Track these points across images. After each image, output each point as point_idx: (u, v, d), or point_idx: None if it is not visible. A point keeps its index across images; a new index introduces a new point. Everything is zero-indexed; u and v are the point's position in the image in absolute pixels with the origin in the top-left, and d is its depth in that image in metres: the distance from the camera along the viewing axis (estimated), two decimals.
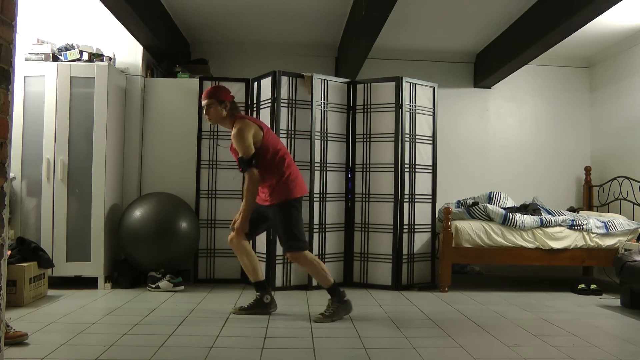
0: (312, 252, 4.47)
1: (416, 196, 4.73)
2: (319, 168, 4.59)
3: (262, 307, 3.54)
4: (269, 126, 3.84)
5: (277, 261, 4.42)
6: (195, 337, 2.98)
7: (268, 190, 3.49)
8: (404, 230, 4.63)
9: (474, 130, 6.04)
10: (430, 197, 4.83)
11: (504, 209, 4.83)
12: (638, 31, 5.20)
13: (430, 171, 4.84)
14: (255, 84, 4.74)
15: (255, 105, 4.72)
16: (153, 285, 4.28)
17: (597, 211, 5.62)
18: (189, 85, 4.87)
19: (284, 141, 4.44)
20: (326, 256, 4.61)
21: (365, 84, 4.79)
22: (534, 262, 4.63)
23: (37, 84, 4.27)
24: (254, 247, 4.58)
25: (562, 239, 4.60)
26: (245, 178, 3.43)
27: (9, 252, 3.61)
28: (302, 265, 3.55)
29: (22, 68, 4.23)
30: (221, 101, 3.49)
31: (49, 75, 4.28)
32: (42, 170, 4.25)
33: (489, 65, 5.68)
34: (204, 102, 3.52)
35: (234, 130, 3.43)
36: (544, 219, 4.64)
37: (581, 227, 4.63)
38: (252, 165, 3.38)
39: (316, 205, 4.55)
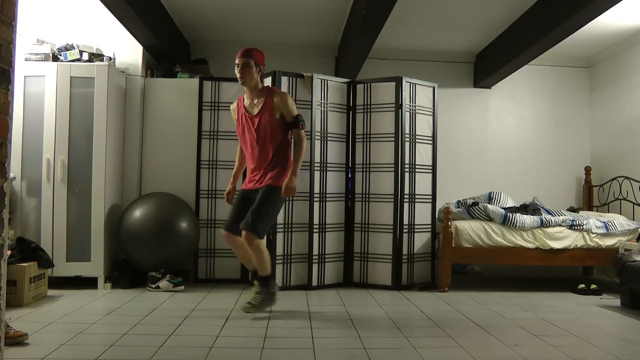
0: (312, 252, 4.50)
1: (416, 196, 4.73)
2: (319, 168, 4.59)
3: (271, 298, 3.55)
4: None
5: (277, 261, 4.41)
6: (195, 337, 2.98)
7: (271, 171, 3.47)
8: (404, 230, 4.63)
9: (474, 130, 6.04)
10: (430, 197, 4.83)
11: (504, 209, 4.83)
12: (638, 31, 5.20)
13: (430, 171, 4.84)
14: None
15: None
16: (153, 285, 4.28)
17: (597, 211, 5.62)
18: (189, 85, 4.87)
19: None
20: (326, 256, 4.62)
21: (365, 84, 4.79)
22: (534, 262, 4.63)
23: (37, 84, 4.27)
24: None
25: (562, 239, 4.60)
26: (298, 139, 3.50)
27: (9, 252, 3.61)
28: (251, 248, 3.45)
29: (22, 68, 4.23)
30: (257, 64, 3.50)
31: (49, 75, 4.28)
32: (42, 170, 4.25)
33: (489, 65, 5.68)
34: (240, 60, 3.47)
35: (279, 96, 3.49)
36: (544, 219, 4.64)
37: (581, 227, 4.63)
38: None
39: (316, 205, 4.55)
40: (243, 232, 3.43)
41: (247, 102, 3.58)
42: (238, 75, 3.50)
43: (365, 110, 4.77)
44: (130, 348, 2.74)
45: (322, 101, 4.64)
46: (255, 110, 3.52)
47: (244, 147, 3.64)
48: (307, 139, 3.56)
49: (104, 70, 4.34)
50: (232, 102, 4.72)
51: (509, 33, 5.13)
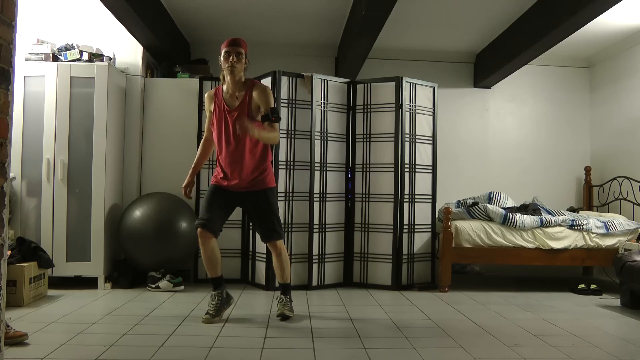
0: (312, 252, 4.50)
1: (416, 196, 4.73)
2: (319, 168, 4.59)
3: (226, 302, 3.47)
4: None
5: None
6: (195, 337, 2.98)
7: (258, 172, 3.37)
8: (404, 230, 4.63)
9: (474, 130, 6.04)
10: (430, 197, 4.83)
11: (504, 209, 4.83)
12: (638, 31, 5.20)
13: (430, 171, 4.84)
14: None
15: None
16: (153, 285, 4.28)
17: (597, 211, 5.62)
18: (189, 85, 4.87)
19: (283, 141, 4.45)
20: (326, 256, 4.61)
21: (365, 84, 4.79)
22: (534, 262, 4.63)
23: (37, 84, 4.27)
24: (254, 246, 4.61)
25: (562, 239, 4.60)
26: (270, 130, 3.29)
27: (9, 252, 3.61)
28: (279, 254, 3.44)
29: (22, 68, 4.23)
30: (246, 55, 3.40)
31: (49, 75, 4.28)
32: (42, 170, 4.25)
33: (489, 65, 5.68)
34: (233, 49, 3.31)
35: (259, 88, 3.35)
36: (544, 219, 4.64)
37: (581, 227, 4.63)
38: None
39: (316, 205, 4.55)
40: (270, 245, 3.45)
41: (227, 93, 3.42)
42: (228, 64, 3.32)
43: (365, 110, 4.77)
44: (130, 348, 2.74)
45: (322, 101, 4.63)
46: (236, 104, 3.39)
47: (217, 140, 3.42)
48: (277, 132, 3.37)
49: (104, 70, 4.34)
50: None
51: (509, 33, 5.13)
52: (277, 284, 3.72)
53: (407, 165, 4.66)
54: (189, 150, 4.77)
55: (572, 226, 4.64)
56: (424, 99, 4.81)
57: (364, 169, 4.75)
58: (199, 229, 3.36)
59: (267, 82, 4.55)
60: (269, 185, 3.43)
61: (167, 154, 4.82)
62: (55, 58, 4.36)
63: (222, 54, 3.36)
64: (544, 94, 6.12)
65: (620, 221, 4.72)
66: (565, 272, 5.58)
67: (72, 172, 4.30)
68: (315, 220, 4.54)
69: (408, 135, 4.68)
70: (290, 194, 4.49)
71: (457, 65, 6.05)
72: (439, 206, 4.92)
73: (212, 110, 3.45)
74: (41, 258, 3.91)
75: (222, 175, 3.43)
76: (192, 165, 3.59)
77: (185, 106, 4.82)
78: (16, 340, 2.69)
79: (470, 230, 4.57)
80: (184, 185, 3.56)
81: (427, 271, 4.80)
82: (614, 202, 5.47)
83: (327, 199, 4.64)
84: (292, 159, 4.50)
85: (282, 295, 3.52)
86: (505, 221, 4.59)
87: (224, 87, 3.44)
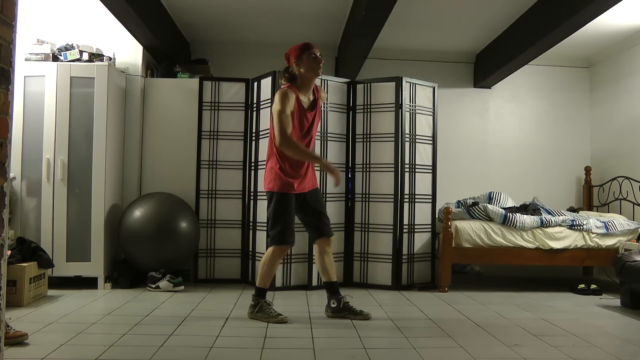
0: (312, 252, 4.49)
1: (416, 196, 4.73)
2: (319, 168, 4.57)
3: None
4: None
5: None
6: (195, 337, 2.98)
7: (313, 170, 3.56)
8: (404, 230, 4.63)
9: (474, 130, 6.04)
10: (430, 197, 4.83)
11: (504, 209, 4.83)
12: (638, 31, 5.20)
13: (430, 171, 4.84)
14: (255, 84, 4.74)
15: (255, 106, 4.72)
16: (153, 285, 4.28)
17: (597, 211, 5.62)
18: (189, 85, 4.87)
19: None
20: None
21: (365, 84, 4.79)
22: (534, 262, 4.63)
23: (37, 84, 4.27)
24: (254, 246, 4.60)
25: (562, 239, 4.60)
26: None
27: (9, 252, 3.61)
28: (330, 254, 3.51)
29: (22, 68, 4.23)
30: None
31: (49, 75, 4.28)
32: (42, 170, 4.25)
33: (489, 65, 5.68)
34: (320, 54, 3.43)
35: (323, 92, 3.67)
36: (544, 219, 4.64)
37: (581, 227, 4.63)
38: None
39: None
40: (329, 241, 3.49)
41: (303, 94, 3.44)
42: (317, 68, 3.39)
43: (365, 110, 4.77)
44: (130, 348, 2.74)
45: (322, 101, 4.63)
46: (310, 106, 3.48)
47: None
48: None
49: (104, 70, 4.34)
50: (231, 102, 4.77)
51: (509, 33, 5.13)
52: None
53: (407, 165, 4.66)
54: (189, 150, 4.79)
55: (572, 226, 4.64)
56: (424, 99, 4.81)
57: (364, 169, 4.75)
58: (284, 246, 3.40)
59: (267, 82, 4.55)
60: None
61: (167, 154, 4.82)
62: (55, 58, 4.36)
63: (310, 56, 3.37)
64: (544, 94, 6.12)
65: (620, 221, 4.72)
66: (565, 272, 5.58)
67: (72, 172, 4.30)
68: None
69: (408, 135, 4.68)
70: None
71: (457, 65, 6.05)
72: (439, 206, 4.92)
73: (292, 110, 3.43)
74: (41, 258, 3.91)
75: (293, 177, 3.39)
76: (312, 154, 3.54)
77: (185, 106, 4.82)
78: (16, 340, 2.69)
79: (470, 230, 4.57)
80: (332, 165, 3.47)
81: (427, 271, 4.80)
82: (614, 202, 5.47)
83: (327, 199, 4.64)
84: None
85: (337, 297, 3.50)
86: (505, 221, 4.58)
87: (299, 89, 3.43)
